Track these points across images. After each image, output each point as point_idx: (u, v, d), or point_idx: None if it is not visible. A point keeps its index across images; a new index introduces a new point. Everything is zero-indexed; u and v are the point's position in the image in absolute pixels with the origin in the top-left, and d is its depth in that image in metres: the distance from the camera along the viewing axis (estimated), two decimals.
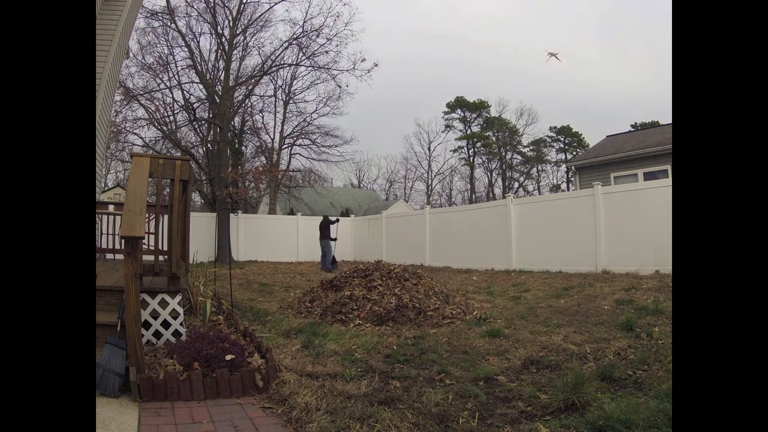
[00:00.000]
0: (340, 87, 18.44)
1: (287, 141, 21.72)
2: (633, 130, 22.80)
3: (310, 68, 18.40)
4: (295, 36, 17.04)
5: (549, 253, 9.05)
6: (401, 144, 73.24)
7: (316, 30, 16.74)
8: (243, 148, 20.29)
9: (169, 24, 15.90)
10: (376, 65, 17.31)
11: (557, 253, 8.88)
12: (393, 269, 5.91)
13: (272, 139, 22.11)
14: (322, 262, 12.23)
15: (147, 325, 3.10)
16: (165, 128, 16.88)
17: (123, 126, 15.57)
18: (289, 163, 22.22)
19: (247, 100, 17.92)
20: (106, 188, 17.48)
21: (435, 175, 44.40)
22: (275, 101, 21.02)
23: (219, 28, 16.46)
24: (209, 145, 17.34)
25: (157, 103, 16.53)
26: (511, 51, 61.90)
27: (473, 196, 42.54)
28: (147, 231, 4.40)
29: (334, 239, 12.47)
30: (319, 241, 12.48)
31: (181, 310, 3.27)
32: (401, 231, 13.96)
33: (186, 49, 16.41)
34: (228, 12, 16.41)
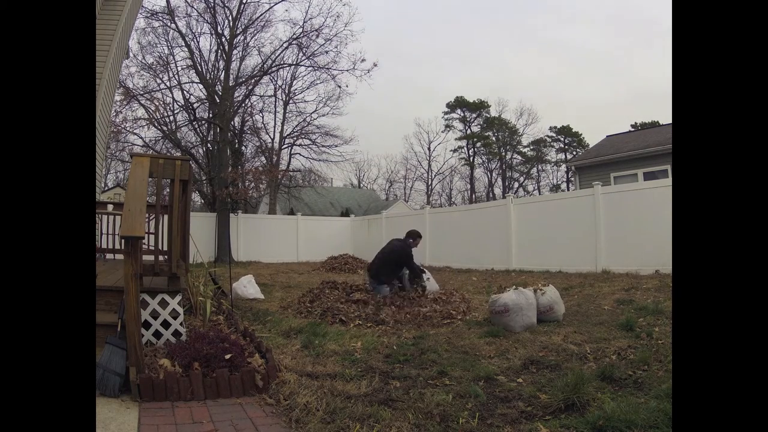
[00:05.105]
0: (339, 87, 18.53)
1: (287, 141, 21.72)
2: (633, 130, 22.80)
3: (310, 68, 18.47)
4: (295, 36, 17.11)
5: (549, 253, 9.05)
6: (401, 144, 73.22)
7: (316, 30, 16.81)
8: (243, 148, 20.30)
9: (169, 24, 15.94)
10: (375, 65, 17.39)
11: (557, 253, 8.88)
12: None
13: (272, 139, 22.12)
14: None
15: (147, 325, 3.10)
16: (165, 128, 16.90)
17: (123, 126, 15.58)
18: (289, 163, 22.23)
19: (247, 100, 17.94)
20: (106, 188, 17.48)
21: (435, 175, 44.44)
22: (275, 101, 21.04)
23: (219, 28, 16.50)
24: (209, 145, 17.35)
25: (157, 103, 16.55)
26: (511, 50, 61.95)
27: (473, 196, 42.56)
28: (147, 231, 4.40)
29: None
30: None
31: (181, 310, 3.27)
32: (401, 231, 13.87)
33: (186, 49, 16.46)
34: (228, 12, 16.45)
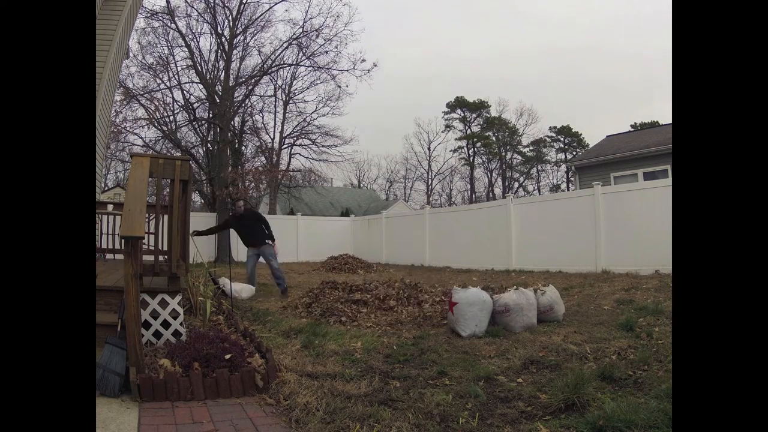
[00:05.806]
0: (339, 87, 18.57)
1: (287, 141, 21.74)
2: (633, 130, 22.80)
3: (310, 68, 18.50)
4: (295, 36, 17.13)
5: (549, 253, 9.05)
6: (401, 144, 73.36)
7: (316, 30, 16.83)
8: (243, 148, 20.29)
9: (169, 24, 15.95)
10: (375, 65, 17.43)
11: (557, 253, 8.88)
12: (387, 295, 5.34)
13: (272, 139, 22.13)
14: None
15: (147, 325, 3.10)
16: (165, 128, 16.90)
17: (123, 126, 15.60)
18: (289, 163, 22.24)
19: (247, 100, 17.96)
20: (106, 188, 17.47)
21: (435, 175, 44.46)
22: (275, 101, 21.06)
23: (219, 28, 16.50)
24: (209, 145, 17.35)
25: (157, 103, 16.56)
26: (511, 50, 61.95)
27: (473, 196, 42.58)
28: (147, 231, 4.40)
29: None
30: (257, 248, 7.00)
31: (181, 310, 3.27)
32: (401, 231, 13.95)
33: (186, 49, 16.46)
34: (228, 12, 16.46)
